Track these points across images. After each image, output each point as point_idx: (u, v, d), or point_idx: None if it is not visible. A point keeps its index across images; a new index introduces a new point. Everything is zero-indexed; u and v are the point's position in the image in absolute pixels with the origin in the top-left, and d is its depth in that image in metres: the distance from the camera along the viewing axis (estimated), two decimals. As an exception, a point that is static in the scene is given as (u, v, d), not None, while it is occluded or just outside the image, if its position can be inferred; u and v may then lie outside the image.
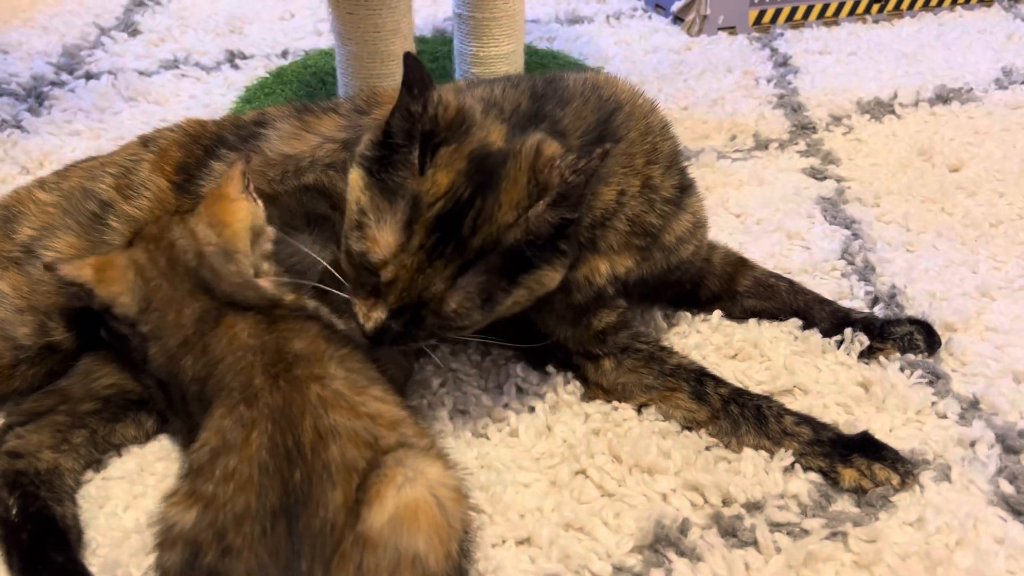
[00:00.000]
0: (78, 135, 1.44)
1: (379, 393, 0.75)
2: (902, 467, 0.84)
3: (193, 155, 1.03)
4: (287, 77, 1.56)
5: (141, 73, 1.65)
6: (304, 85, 1.52)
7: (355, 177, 0.78)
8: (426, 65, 1.58)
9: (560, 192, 0.73)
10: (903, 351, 0.99)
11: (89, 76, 1.63)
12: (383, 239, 0.74)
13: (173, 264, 0.82)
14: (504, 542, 0.79)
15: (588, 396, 0.94)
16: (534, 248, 0.76)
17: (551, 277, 0.79)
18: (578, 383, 0.95)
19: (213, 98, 1.57)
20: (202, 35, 1.82)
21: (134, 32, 1.82)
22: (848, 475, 0.84)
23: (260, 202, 0.90)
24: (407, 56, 0.74)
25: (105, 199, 0.95)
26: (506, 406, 0.92)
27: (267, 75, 1.59)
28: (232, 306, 0.80)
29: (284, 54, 1.72)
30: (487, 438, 0.89)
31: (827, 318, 1.03)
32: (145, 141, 1.06)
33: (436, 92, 0.75)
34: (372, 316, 0.76)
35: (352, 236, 0.76)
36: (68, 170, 1.02)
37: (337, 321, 0.86)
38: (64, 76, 1.63)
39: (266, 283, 0.84)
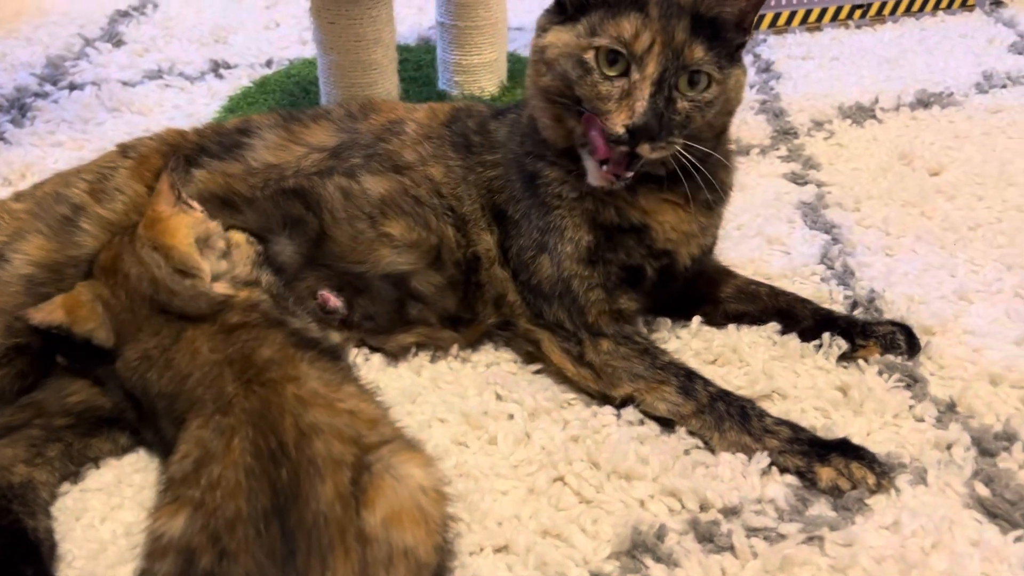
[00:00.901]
0: (60, 146, 1.44)
1: (354, 390, 0.76)
2: (878, 468, 0.84)
3: None
4: (270, 87, 1.56)
5: (125, 83, 1.65)
6: (287, 94, 1.52)
7: (557, 33, 0.89)
8: (411, 75, 1.58)
9: None
10: (885, 350, 0.99)
11: (73, 87, 1.63)
12: (627, 24, 0.85)
13: (132, 296, 0.84)
14: (482, 550, 0.79)
15: (574, 379, 0.95)
16: (725, 40, 0.88)
17: (740, 81, 0.91)
18: (557, 390, 0.95)
19: (197, 108, 1.58)
20: (186, 45, 1.82)
21: (118, 42, 1.83)
22: (825, 474, 0.84)
23: (196, 205, 0.90)
24: None
25: (77, 203, 0.95)
26: (485, 413, 0.92)
27: (250, 84, 1.60)
28: (188, 320, 0.81)
29: (268, 63, 1.73)
30: (466, 446, 0.90)
31: (809, 316, 1.03)
32: (124, 149, 1.06)
33: None
34: (636, 107, 0.84)
35: (594, 41, 0.86)
36: (45, 181, 1.02)
37: (293, 320, 0.87)
38: (48, 87, 1.63)
39: (220, 286, 0.85)
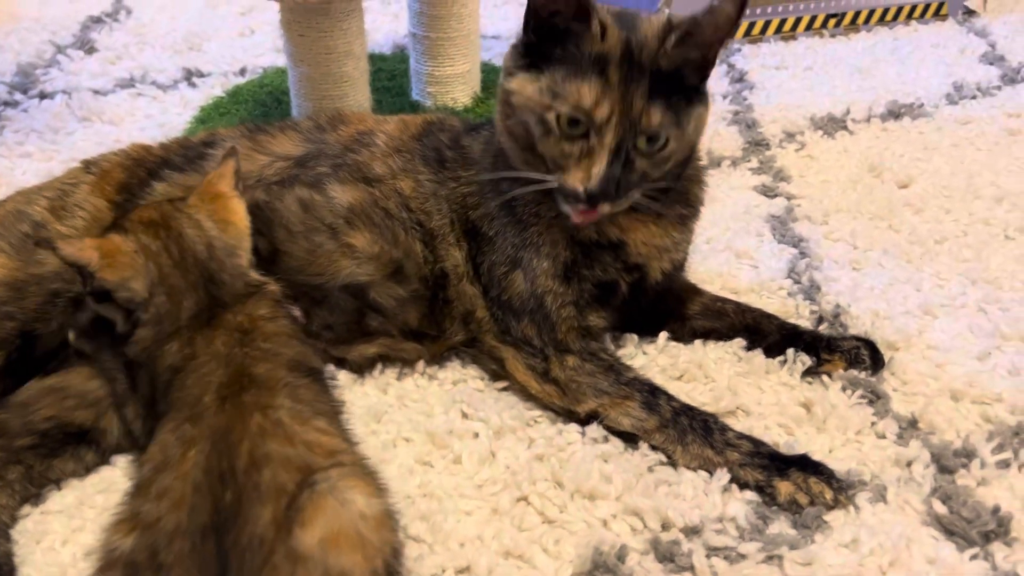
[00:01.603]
0: (29, 157, 1.43)
1: (322, 425, 0.76)
2: (836, 484, 0.85)
3: (136, 176, 1.04)
4: (242, 96, 1.55)
5: (96, 92, 1.64)
6: (259, 104, 1.52)
7: (522, 81, 0.89)
8: (384, 85, 1.58)
9: (687, 29, 0.85)
10: (849, 364, 1.00)
11: (43, 96, 1.62)
12: (587, 90, 0.85)
13: (184, 254, 0.84)
14: (444, 572, 0.79)
15: (539, 395, 0.96)
16: (684, 84, 0.88)
17: (702, 118, 0.91)
18: (523, 408, 0.95)
19: (169, 117, 1.57)
20: (160, 52, 1.81)
21: (91, 50, 1.82)
22: (784, 488, 0.85)
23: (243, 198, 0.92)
24: None
25: (38, 220, 0.96)
26: (450, 432, 0.93)
27: (223, 94, 1.59)
28: (219, 303, 0.83)
29: (242, 72, 1.72)
30: (431, 466, 0.90)
31: (775, 331, 1.04)
32: (88, 165, 1.06)
33: None
34: (593, 171, 0.85)
35: (555, 105, 0.86)
36: (7, 198, 1.02)
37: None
38: (18, 96, 1.62)
39: (255, 273, 0.88)
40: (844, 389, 0.98)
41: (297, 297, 0.98)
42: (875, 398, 0.97)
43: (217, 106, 1.54)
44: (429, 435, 0.92)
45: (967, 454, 0.90)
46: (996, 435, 0.92)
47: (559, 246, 0.95)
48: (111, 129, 1.53)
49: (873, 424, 0.94)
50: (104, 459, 0.89)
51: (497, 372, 1.00)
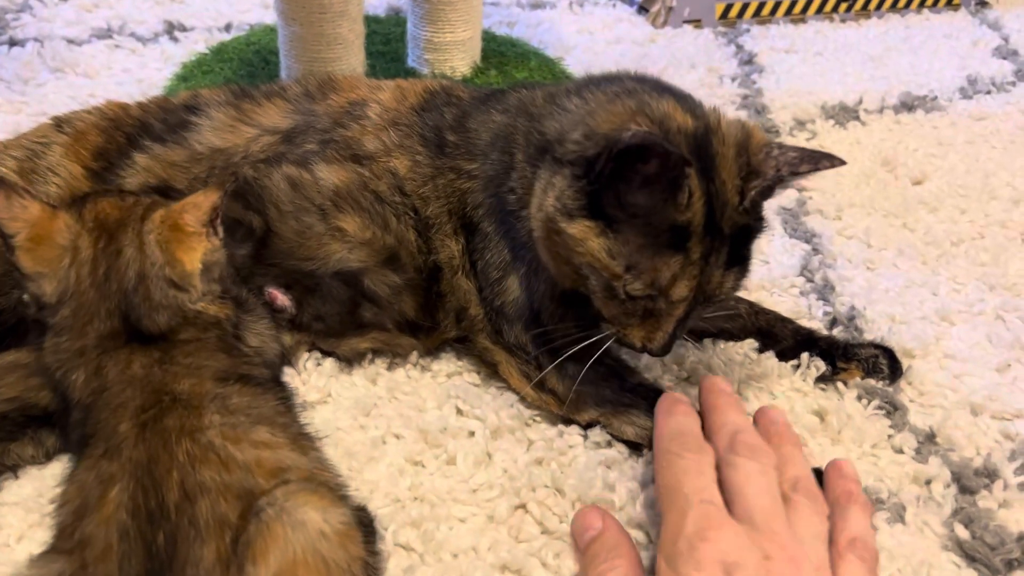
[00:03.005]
0: (-4, 108, 1.34)
1: (263, 436, 0.68)
2: None
3: (114, 141, 0.95)
4: (227, 54, 1.46)
5: (70, 42, 1.53)
6: (245, 64, 1.43)
7: (584, 231, 0.76)
8: (378, 49, 1.50)
9: (770, 183, 0.75)
10: (867, 373, 0.95)
11: (13, 43, 1.51)
12: (667, 269, 0.75)
13: (109, 276, 0.74)
14: (435, 584, 0.74)
15: (535, 403, 0.89)
16: (751, 230, 0.79)
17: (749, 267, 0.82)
18: (521, 407, 0.89)
19: (148, 73, 1.47)
20: (140, 2, 1.70)
21: (66, -5, 1.71)
22: None
23: (220, 233, 0.82)
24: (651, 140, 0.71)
25: None
26: (444, 430, 0.86)
27: (206, 51, 1.49)
28: (137, 337, 0.74)
29: (228, 27, 1.62)
30: (423, 466, 0.83)
31: (790, 336, 0.99)
32: (59, 123, 0.97)
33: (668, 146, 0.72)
34: (657, 336, 0.79)
35: (628, 278, 0.76)
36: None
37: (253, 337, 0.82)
38: (-15, 42, 1.51)
39: (201, 304, 0.78)
40: (860, 398, 0.93)
41: (290, 285, 0.91)
42: (892, 409, 0.92)
43: (200, 63, 1.44)
44: (421, 432, 0.86)
45: (989, 474, 0.86)
46: (1019, 454, 0.88)
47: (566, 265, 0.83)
48: (85, 82, 1.43)
49: (890, 437, 0.89)
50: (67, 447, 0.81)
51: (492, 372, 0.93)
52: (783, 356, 0.97)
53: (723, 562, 0.61)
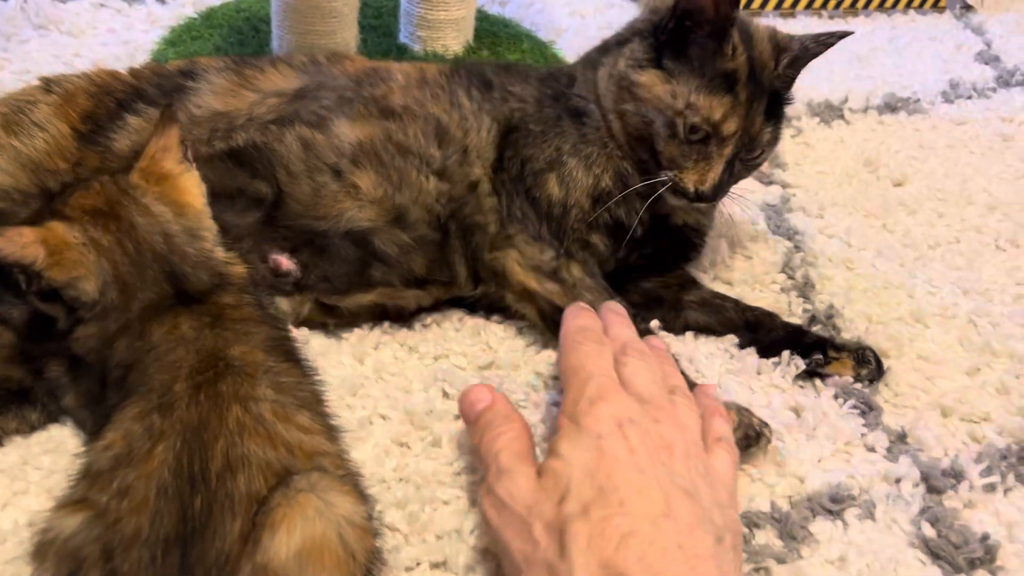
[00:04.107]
0: (-23, 64, 1.31)
1: (306, 422, 0.69)
2: (766, 425, 0.87)
3: (104, 106, 0.94)
4: (217, 20, 1.44)
5: (55, -2, 1.51)
6: (235, 31, 1.41)
7: (652, 78, 0.94)
8: (369, 23, 1.49)
9: (797, 54, 0.95)
10: (857, 363, 0.98)
11: (-5, -3, 1.48)
12: (719, 105, 0.91)
13: (140, 249, 0.74)
14: (419, 565, 0.75)
15: (537, 294, 0.95)
16: (781, 100, 0.98)
17: (781, 135, 1.01)
18: (507, 390, 0.90)
19: (134, 35, 1.45)
20: (126, -40, 1.67)
21: (50, -51, 1.66)
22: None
23: (193, 163, 0.83)
24: None
25: None
26: (430, 412, 0.87)
27: (195, 16, 1.47)
28: (186, 299, 0.74)
29: (216, -9, 1.60)
30: (408, 447, 0.84)
31: (779, 327, 1.01)
32: (48, 84, 0.96)
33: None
34: (709, 176, 0.93)
35: (688, 114, 0.91)
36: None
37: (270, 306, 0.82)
38: (-34, -6, 1.48)
39: (220, 251, 0.79)
40: (836, 397, 0.95)
41: (297, 248, 0.91)
42: (867, 409, 0.95)
43: (189, 28, 1.42)
44: (407, 413, 0.87)
45: (955, 475, 0.89)
46: (984, 456, 0.91)
47: (607, 175, 0.97)
48: (69, 41, 1.41)
49: (863, 436, 0.92)
50: (51, 418, 0.81)
51: (491, 305, 0.99)
52: (766, 352, 0.99)
53: (618, 417, 0.68)
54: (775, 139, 0.98)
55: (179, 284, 0.74)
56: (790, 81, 0.97)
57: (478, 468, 0.83)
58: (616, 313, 0.87)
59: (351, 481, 0.68)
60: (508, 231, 0.96)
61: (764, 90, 0.93)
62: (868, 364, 0.98)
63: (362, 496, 0.67)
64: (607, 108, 0.97)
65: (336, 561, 0.60)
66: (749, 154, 0.96)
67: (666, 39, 0.93)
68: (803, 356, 0.98)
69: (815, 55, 0.97)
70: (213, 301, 0.75)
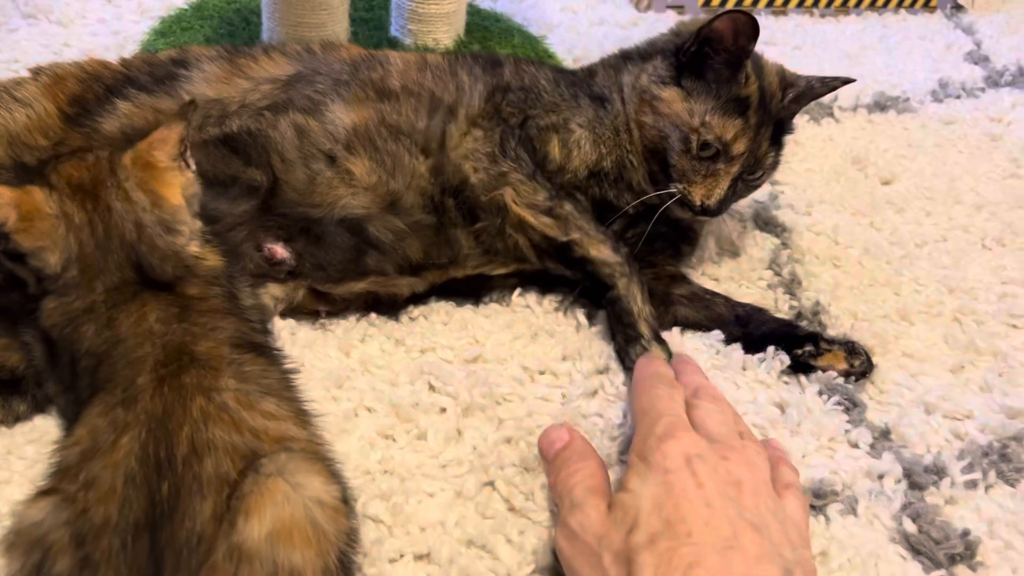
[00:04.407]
0: (-35, 52, 1.30)
1: (271, 408, 0.69)
2: None
3: (93, 91, 0.94)
4: (208, 11, 1.44)
5: (44, -13, 1.50)
6: (225, 23, 1.41)
7: (673, 95, 0.99)
8: (360, 16, 1.48)
9: (803, 90, 1.03)
10: (848, 354, 0.99)
11: (-16, -15, 1.47)
12: (731, 127, 0.97)
13: (110, 233, 0.74)
14: (402, 556, 0.75)
15: (531, 226, 0.98)
16: (783, 129, 1.05)
17: (780, 159, 1.07)
18: (493, 383, 0.91)
19: (124, 25, 1.45)
20: (116, -50, 1.66)
21: (40, -62, 1.65)
22: None
23: (193, 166, 0.82)
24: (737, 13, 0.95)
25: None
26: (416, 405, 0.88)
27: (185, 7, 1.46)
28: (150, 284, 0.74)
29: (207, -17, 1.59)
30: (394, 440, 0.85)
31: (770, 321, 1.02)
32: (37, 71, 0.96)
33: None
34: (715, 192, 0.99)
35: (702, 131, 0.97)
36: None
37: (247, 297, 0.82)
38: (-45, -18, 1.47)
39: (193, 246, 0.79)
40: (821, 393, 0.96)
41: (292, 236, 0.91)
42: (851, 405, 0.95)
43: (179, 19, 1.42)
44: (393, 406, 0.87)
45: (937, 471, 0.89)
46: (967, 453, 0.91)
47: (610, 158, 1.02)
48: (59, 31, 1.40)
49: (847, 432, 0.92)
50: (38, 409, 0.81)
51: (490, 256, 1.01)
52: (757, 346, 0.99)
53: (686, 453, 0.69)
54: (776, 164, 1.05)
55: (143, 272, 0.75)
56: (793, 113, 1.05)
57: (464, 462, 0.83)
58: (686, 362, 0.88)
59: (322, 463, 0.68)
60: (501, 167, 0.98)
61: (771, 118, 1.00)
62: (860, 356, 0.98)
63: (333, 476, 0.68)
64: (629, 115, 1.02)
65: (306, 540, 0.61)
66: (751, 175, 1.02)
67: (687, 61, 0.99)
68: (794, 348, 0.98)
69: (818, 95, 1.07)
70: (179, 292, 0.75)
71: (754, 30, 0.94)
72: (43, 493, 0.64)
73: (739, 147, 0.98)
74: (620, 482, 0.72)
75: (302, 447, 0.68)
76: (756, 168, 1.01)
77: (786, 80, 1.02)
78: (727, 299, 1.04)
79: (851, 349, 0.99)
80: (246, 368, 0.71)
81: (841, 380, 0.97)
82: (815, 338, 0.99)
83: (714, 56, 0.97)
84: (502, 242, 1.00)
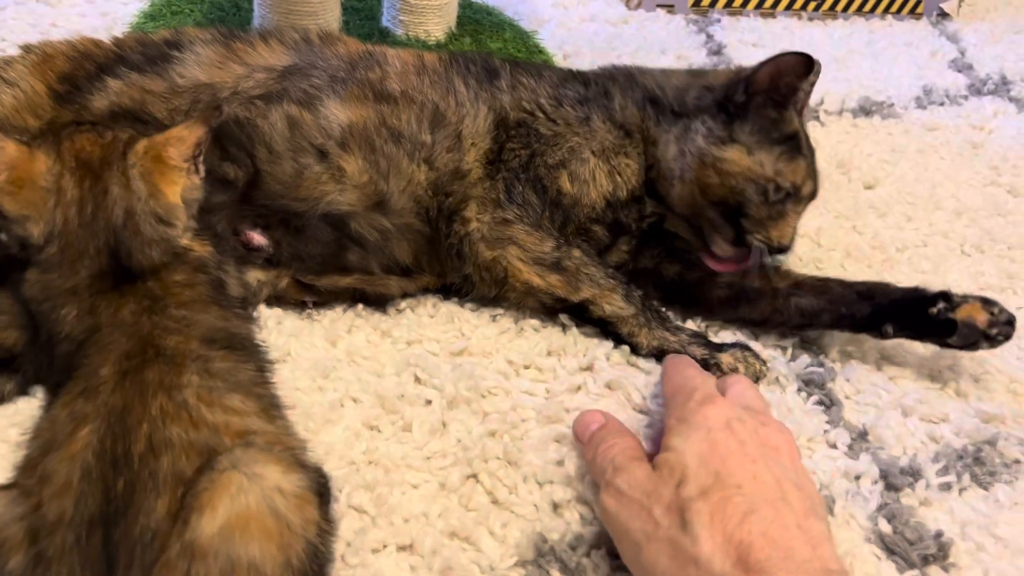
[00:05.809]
0: (-50, 31, 1.29)
1: (235, 403, 0.69)
2: (763, 361, 0.97)
3: (83, 69, 0.94)
4: (198, -5, 1.43)
5: (32, -35, 1.48)
6: (216, 8, 1.40)
7: (738, 154, 0.99)
8: (352, 5, 1.48)
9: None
10: (984, 303, 0.96)
11: (-30, -39, 1.46)
12: (800, 169, 1.00)
13: (97, 215, 0.74)
14: (385, 547, 0.75)
15: (539, 289, 0.97)
16: None
17: None
18: (479, 376, 0.91)
19: (113, 6, 1.44)
20: (106, -70, 1.65)
21: (28, -85, 1.64)
22: (725, 359, 0.95)
23: (202, 171, 0.82)
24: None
25: None
26: (401, 397, 0.88)
27: (175, -11, 1.46)
28: (123, 273, 0.73)
29: (197, -34, 1.58)
30: (379, 431, 0.85)
31: (894, 290, 1.02)
32: (27, 49, 0.95)
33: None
34: (787, 233, 1.02)
35: (779, 180, 0.99)
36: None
37: (232, 282, 0.82)
38: (-60, -42, 1.45)
39: (185, 239, 0.79)
40: (800, 391, 0.97)
41: (271, 225, 0.91)
42: (830, 405, 0.97)
43: (170, 2, 1.41)
44: (379, 398, 0.88)
45: (913, 473, 0.91)
46: (942, 456, 0.93)
47: (626, 188, 1.02)
48: (47, 11, 1.39)
49: (826, 432, 0.94)
50: (24, 390, 0.81)
51: (485, 288, 0.99)
52: (876, 322, 1.00)
53: (727, 416, 0.72)
54: None
55: (119, 260, 0.74)
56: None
57: (448, 454, 0.84)
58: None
59: (286, 453, 0.68)
60: (505, 215, 0.97)
61: (813, 151, 1.03)
62: (996, 304, 0.96)
63: (298, 466, 0.67)
64: (675, 174, 1.01)
65: (265, 531, 0.60)
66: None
67: (735, 112, 1.00)
68: (928, 308, 0.97)
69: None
70: (160, 279, 0.75)
71: (806, 67, 0.97)
72: (2, 488, 0.64)
73: (808, 188, 1.02)
74: (661, 443, 0.74)
75: (267, 440, 0.68)
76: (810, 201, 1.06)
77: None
78: (838, 280, 1.05)
79: (986, 300, 0.97)
80: (214, 364, 0.71)
81: (990, 329, 0.95)
82: (946, 295, 0.98)
83: (755, 99, 0.99)
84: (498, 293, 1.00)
